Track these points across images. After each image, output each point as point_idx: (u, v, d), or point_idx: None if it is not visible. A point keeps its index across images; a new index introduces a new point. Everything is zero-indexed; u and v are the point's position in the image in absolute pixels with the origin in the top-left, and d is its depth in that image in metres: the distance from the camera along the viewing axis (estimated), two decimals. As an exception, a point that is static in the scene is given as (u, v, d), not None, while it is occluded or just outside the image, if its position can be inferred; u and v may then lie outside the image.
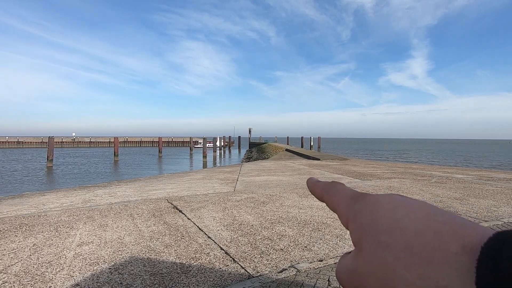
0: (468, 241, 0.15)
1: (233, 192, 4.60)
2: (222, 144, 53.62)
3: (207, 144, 33.22)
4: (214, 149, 40.44)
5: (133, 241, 2.38)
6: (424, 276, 0.15)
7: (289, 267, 1.92)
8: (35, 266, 1.92)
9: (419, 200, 0.20)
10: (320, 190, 0.27)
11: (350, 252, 0.22)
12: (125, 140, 65.15)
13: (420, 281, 0.15)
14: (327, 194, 0.25)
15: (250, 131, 62.32)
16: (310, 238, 2.46)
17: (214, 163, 29.53)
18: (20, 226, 2.82)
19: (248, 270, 1.88)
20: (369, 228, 0.19)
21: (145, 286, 1.67)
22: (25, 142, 58.92)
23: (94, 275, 1.81)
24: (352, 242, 0.21)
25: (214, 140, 44.95)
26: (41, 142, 56.33)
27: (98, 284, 1.70)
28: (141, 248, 2.22)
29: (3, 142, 56.95)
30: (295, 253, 2.14)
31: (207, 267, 1.91)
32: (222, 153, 43.83)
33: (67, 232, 2.61)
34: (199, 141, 48.55)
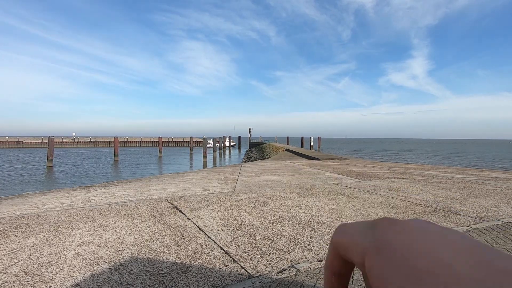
0: None
1: (233, 192, 4.60)
2: (229, 144, 54.08)
3: (209, 142, 33.30)
4: (214, 149, 40.48)
5: (133, 241, 2.38)
6: None
7: (289, 267, 1.92)
8: (35, 266, 1.92)
9: (451, 229, 0.15)
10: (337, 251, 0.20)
11: None
12: (125, 140, 65.15)
13: None
14: (339, 240, 0.19)
15: (250, 131, 62.32)
16: (310, 238, 2.46)
17: (214, 163, 29.53)
18: (20, 226, 2.82)
19: (248, 270, 1.88)
20: (402, 264, 0.14)
21: (145, 286, 1.67)
22: (25, 142, 58.91)
23: (94, 275, 1.81)
24: (371, 280, 0.15)
25: (214, 140, 44.94)
26: (41, 142, 56.32)
27: (98, 284, 1.70)
28: (141, 248, 2.22)
29: (3, 142, 56.94)
30: (295, 253, 2.14)
31: (207, 267, 1.91)
32: (222, 153, 43.82)
33: (67, 232, 2.61)
34: (209, 141, 48.82)
